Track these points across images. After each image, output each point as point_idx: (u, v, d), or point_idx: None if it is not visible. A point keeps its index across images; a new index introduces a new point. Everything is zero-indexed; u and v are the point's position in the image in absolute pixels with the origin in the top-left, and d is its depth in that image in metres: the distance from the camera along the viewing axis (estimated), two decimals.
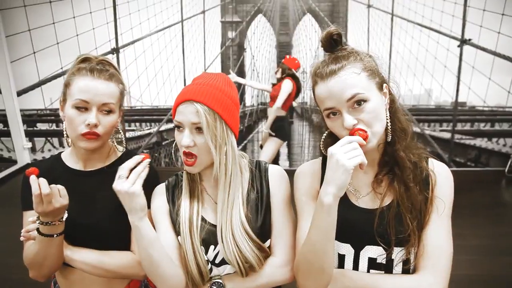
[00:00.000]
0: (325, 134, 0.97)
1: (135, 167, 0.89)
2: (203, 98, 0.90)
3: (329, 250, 0.85)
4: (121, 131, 1.15)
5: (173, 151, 1.01)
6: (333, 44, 0.91)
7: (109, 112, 1.02)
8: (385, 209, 0.91)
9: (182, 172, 1.05)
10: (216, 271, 0.98)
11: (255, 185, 1.01)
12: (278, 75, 3.83)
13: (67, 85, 1.02)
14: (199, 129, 0.91)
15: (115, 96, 1.03)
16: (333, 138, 0.93)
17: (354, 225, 0.93)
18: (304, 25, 6.32)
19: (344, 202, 0.91)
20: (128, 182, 0.86)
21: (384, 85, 0.90)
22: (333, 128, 0.90)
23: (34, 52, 5.29)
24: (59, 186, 0.93)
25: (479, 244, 2.63)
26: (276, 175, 1.03)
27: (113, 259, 1.04)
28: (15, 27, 5.13)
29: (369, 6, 5.91)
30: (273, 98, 3.85)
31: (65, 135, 1.07)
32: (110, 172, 1.07)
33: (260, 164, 1.05)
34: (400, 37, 6.02)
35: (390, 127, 0.90)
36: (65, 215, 0.97)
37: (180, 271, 0.96)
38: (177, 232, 0.99)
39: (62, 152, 1.16)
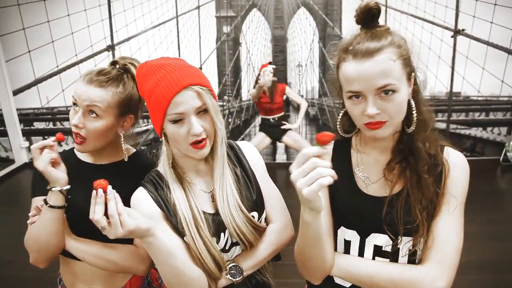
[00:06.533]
0: (341, 114, 0.92)
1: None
2: (194, 79, 0.86)
3: (316, 254, 0.87)
4: (124, 145, 1.12)
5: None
6: (370, 19, 0.82)
7: (96, 117, 1.03)
8: (394, 197, 0.87)
9: (154, 171, 0.98)
10: (225, 257, 0.97)
11: (235, 163, 1.02)
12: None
13: None
14: (203, 112, 0.87)
15: (104, 101, 1.03)
16: (348, 117, 0.88)
17: (361, 213, 0.90)
18: (299, 18, 6.34)
19: (353, 189, 0.92)
20: (113, 228, 0.76)
21: (412, 74, 0.84)
22: (352, 111, 0.84)
23: (29, 51, 5.27)
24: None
25: (475, 231, 2.69)
26: (249, 148, 1.06)
27: (114, 250, 1.06)
28: (10, 26, 5.11)
29: None
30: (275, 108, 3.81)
31: None
32: (119, 167, 1.13)
33: (228, 143, 1.02)
34: (394, 28, 6.04)
35: (415, 117, 0.85)
36: (66, 187, 1.00)
37: (200, 270, 0.91)
38: (181, 233, 0.91)
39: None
